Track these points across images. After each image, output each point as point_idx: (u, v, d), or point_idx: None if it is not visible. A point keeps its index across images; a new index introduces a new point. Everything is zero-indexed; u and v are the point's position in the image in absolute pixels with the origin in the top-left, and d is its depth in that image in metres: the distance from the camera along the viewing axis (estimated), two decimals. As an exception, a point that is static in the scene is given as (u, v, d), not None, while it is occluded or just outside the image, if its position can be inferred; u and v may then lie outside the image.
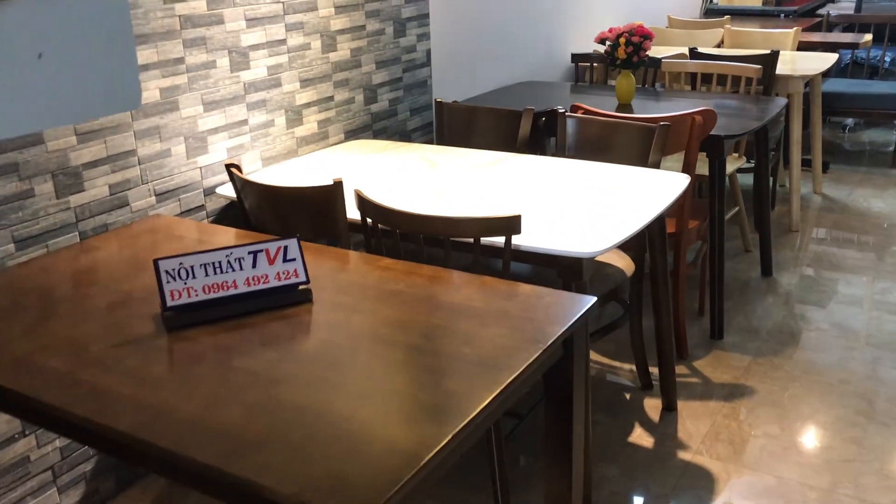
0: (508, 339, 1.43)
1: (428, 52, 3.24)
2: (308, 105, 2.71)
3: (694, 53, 3.79)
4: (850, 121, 5.87)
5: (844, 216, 4.20)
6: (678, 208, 2.71)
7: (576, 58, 3.99)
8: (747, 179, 4.60)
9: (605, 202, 2.10)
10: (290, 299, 1.61)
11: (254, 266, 1.60)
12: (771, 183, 3.89)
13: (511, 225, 1.83)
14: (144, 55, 2.15)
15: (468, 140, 2.95)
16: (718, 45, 4.64)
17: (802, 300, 3.29)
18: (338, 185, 2.02)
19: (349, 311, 1.56)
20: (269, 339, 1.47)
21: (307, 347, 1.44)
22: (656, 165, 2.50)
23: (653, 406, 2.62)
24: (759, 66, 3.42)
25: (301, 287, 1.63)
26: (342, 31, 2.80)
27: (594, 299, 1.58)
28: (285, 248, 1.62)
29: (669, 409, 2.59)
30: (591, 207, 2.07)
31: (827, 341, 2.96)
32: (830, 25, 5.64)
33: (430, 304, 1.58)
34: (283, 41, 2.57)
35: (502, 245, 1.88)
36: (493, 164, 2.46)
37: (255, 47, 2.47)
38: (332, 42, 2.77)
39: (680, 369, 2.83)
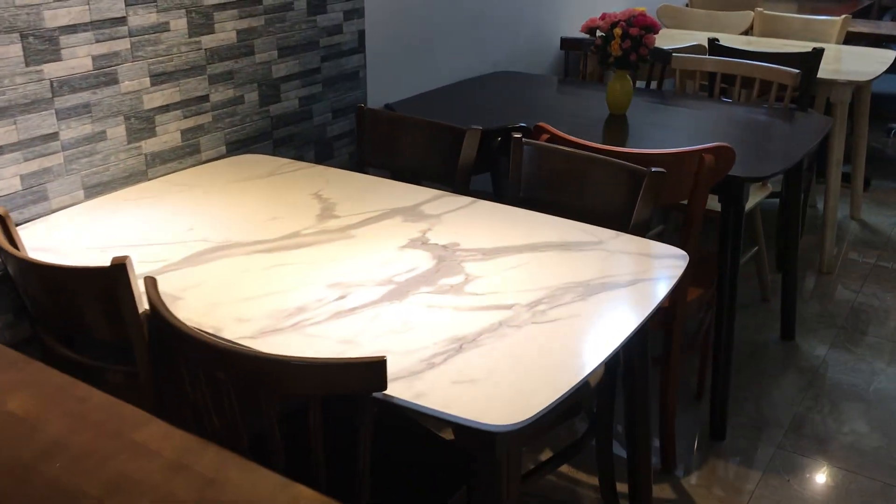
0: None
1: (361, 35, 2.45)
2: (165, 109, 1.94)
3: (715, 47, 2.98)
4: (895, 124, 5.02)
5: (890, 253, 3.42)
6: (674, 278, 1.94)
7: (566, 44, 3.18)
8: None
9: (554, 311, 1.34)
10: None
11: None
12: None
13: (370, 377, 1.08)
14: None
15: (393, 160, 2.18)
16: (746, 32, 3.81)
17: (834, 383, 2.52)
18: (118, 270, 1.27)
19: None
20: None
21: None
22: (643, 227, 1.74)
23: (620, 556, 1.89)
24: (798, 72, 2.62)
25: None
26: (222, 6, 2.02)
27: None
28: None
29: (642, 564, 1.86)
30: (529, 319, 1.31)
31: (869, 455, 2.20)
32: (882, 10, 4.78)
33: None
34: (120, 20, 1.79)
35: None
36: (409, 215, 1.71)
37: (68, 29, 1.70)
38: (207, 21, 1.99)
39: (662, 489, 2.09)
